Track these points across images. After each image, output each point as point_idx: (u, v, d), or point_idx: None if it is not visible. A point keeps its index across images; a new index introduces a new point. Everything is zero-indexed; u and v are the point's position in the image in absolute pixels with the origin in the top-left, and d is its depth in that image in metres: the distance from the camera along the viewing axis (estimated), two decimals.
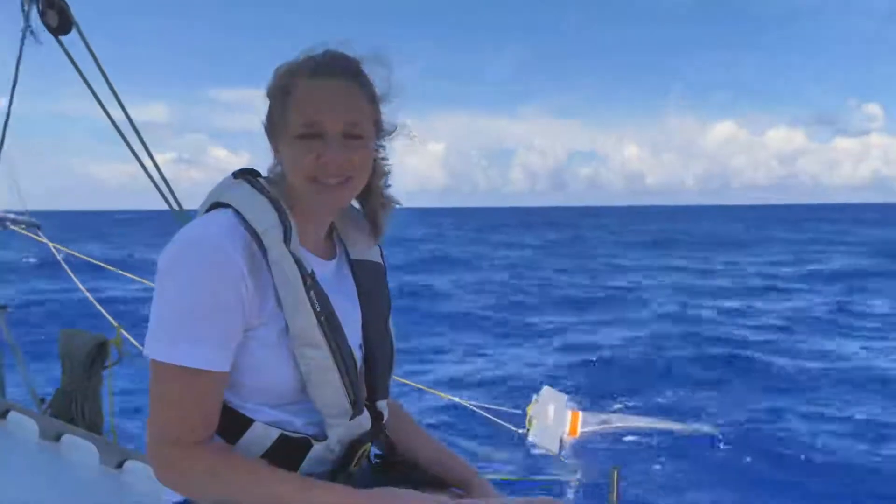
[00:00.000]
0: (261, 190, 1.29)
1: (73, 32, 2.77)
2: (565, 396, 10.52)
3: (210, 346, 1.19)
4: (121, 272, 4.82)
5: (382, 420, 1.45)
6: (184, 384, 1.20)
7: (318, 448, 1.31)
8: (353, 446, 1.36)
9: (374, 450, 1.49)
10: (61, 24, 2.72)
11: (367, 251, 1.50)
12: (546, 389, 10.60)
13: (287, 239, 1.25)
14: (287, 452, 1.29)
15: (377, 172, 1.43)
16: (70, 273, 4.73)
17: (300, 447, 1.30)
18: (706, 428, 10.06)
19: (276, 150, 1.35)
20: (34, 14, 2.72)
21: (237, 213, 1.25)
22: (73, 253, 4.87)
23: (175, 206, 2.99)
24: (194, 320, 1.18)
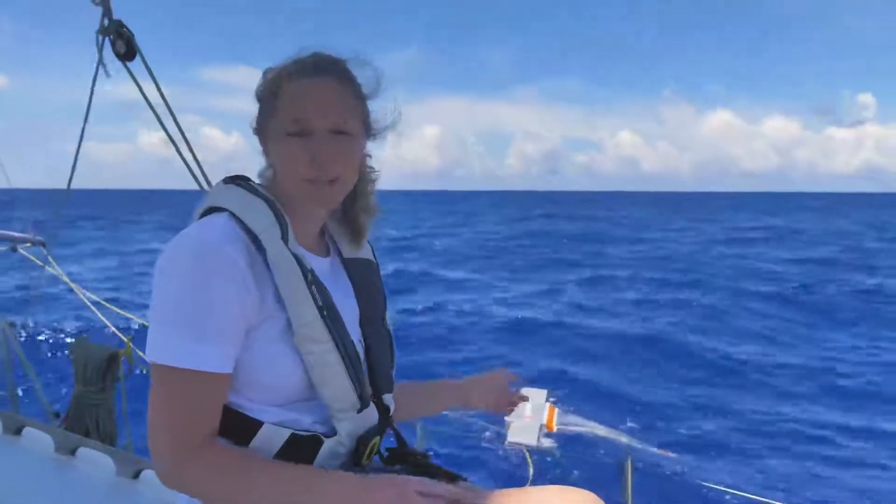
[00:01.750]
0: (254, 192, 1.32)
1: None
2: (545, 392, 10.53)
3: (213, 347, 1.20)
4: (118, 310, 4.80)
5: (389, 413, 1.47)
6: (188, 388, 1.20)
7: (329, 444, 1.32)
8: (362, 440, 1.37)
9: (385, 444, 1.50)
10: (128, 51, 3.12)
11: (360, 249, 1.53)
12: (524, 390, 10.65)
13: (285, 237, 1.27)
14: (299, 451, 1.30)
15: (363, 177, 1.46)
16: (77, 290, 4.73)
17: (311, 445, 1.31)
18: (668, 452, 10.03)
19: (266, 152, 1.38)
20: (107, 45, 3.13)
21: (233, 216, 1.26)
22: (67, 281, 4.83)
23: (206, 188, 3.23)
24: (196, 322, 1.19)
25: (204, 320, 1.19)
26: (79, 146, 3.63)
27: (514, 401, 1.83)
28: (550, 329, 16.40)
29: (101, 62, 3.16)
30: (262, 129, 1.37)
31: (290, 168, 1.31)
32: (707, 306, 19.61)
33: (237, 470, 1.22)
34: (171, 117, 3.22)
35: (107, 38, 3.12)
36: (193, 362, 1.19)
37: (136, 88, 3.17)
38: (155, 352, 1.21)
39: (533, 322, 17.17)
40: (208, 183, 3.19)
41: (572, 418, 10.11)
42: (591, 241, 42.80)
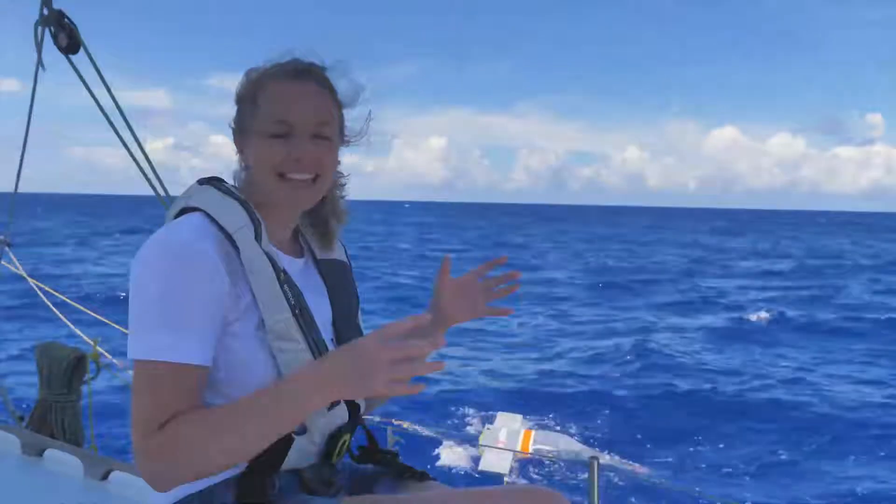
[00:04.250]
0: (228, 193, 1.34)
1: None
2: (521, 417, 10.75)
3: (193, 341, 1.22)
4: (93, 314, 4.71)
5: (359, 411, 1.49)
6: (170, 381, 1.21)
7: (299, 441, 1.34)
8: (332, 438, 1.39)
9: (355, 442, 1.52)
10: (71, 44, 2.89)
11: (333, 250, 1.55)
12: (500, 416, 10.83)
13: (258, 237, 1.29)
14: (270, 447, 1.29)
15: (333, 183, 1.50)
16: (39, 293, 4.67)
17: (282, 442, 1.30)
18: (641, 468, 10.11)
19: (242, 151, 1.41)
20: (47, 35, 2.91)
21: (207, 215, 1.29)
22: (37, 284, 4.75)
23: (162, 192, 3.09)
24: (175, 317, 1.20)
25: (180, 313, 1.21)
26: (23, 149, 3.43)
27: (479, 273, 1.64)
28: None
29: (39, 57, 2.95)
30: (241, 129, 1.40)
31: (268, 165, 1.34)
32: None
33: (209, 425, 1.19)
34: (121, 118, 3.02)
35: (47, 30, 2.89)
36: (169, 354, 1.20)
37: (105, 91, 2.98)
38: (137, 348, 1.22)
39: None
40: (160, 183, 3.08)
41: (549, 436, 10.23)
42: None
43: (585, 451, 9.77)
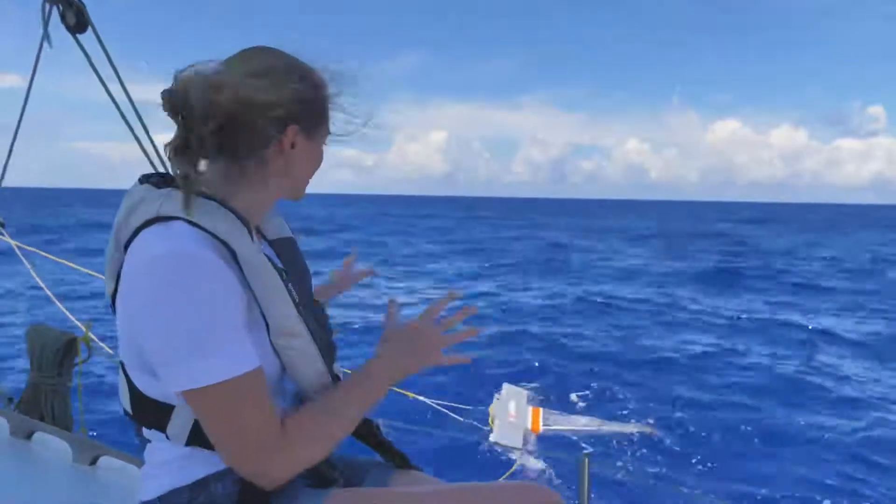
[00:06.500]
0: (208, 197, 1.24)
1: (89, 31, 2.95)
2: (526, 392, 10.51)
3: (242, 347, 1.18)
4: (91, 273, 4.73)
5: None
6: (240, 396, 1.18)
7: None
8: None
9: None
10: (78, 23, 2.89)
11: (280, 229, 1.53)
12: (506, 386, 10.57)
13: (251, 237, 1.24)
14: None
15: None
16: (33, 274, 4.65)
17: None
18: (653, 429, 10.04)
19: (285, 147, 1.31)
20: (55, 14, 2.90)
21: (188, 222, 1.19)
22: (37, 251, 4.77)
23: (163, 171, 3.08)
24: (219, 331, 1.15)
25: (226, 326, 1.16)
26: (14, 135, 3.33)
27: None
28: None
29: (45, 34, 2.91)
30: (306, 128, 1.33)
31: (309, 173, 1.41)
32: None
33: (321, 427, 1.28)
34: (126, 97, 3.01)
35: (55, 8, 2.88)
36: (236, 368, 1.17)
37: (114, 74, 2.96)
38: (191, 376, 1.15)
39: None
40: (164, 165, 2.99)
41: (558, 417, 10.09)
42: None
43: (598, 427, 9.71)
